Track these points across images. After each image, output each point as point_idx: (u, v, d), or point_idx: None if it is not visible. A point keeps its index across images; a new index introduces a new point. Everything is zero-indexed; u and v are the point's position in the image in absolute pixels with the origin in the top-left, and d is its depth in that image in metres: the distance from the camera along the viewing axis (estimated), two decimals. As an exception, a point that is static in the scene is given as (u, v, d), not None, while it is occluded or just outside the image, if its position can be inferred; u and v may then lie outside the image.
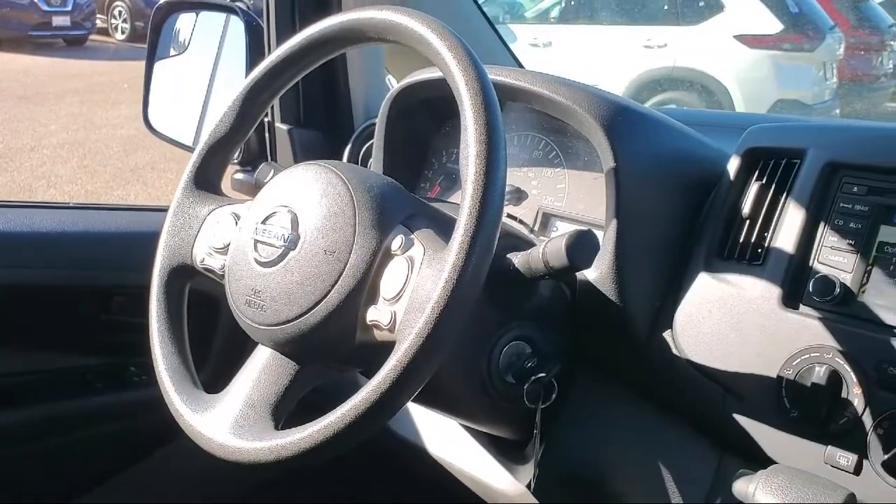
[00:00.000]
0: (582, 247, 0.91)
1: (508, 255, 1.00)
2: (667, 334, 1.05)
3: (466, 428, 1.28)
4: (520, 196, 1.26)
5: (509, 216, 1.24)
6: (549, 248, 0.93)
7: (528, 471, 1.16)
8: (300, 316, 0.94)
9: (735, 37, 6.79)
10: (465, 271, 0.80)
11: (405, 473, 1.49)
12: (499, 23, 8.08)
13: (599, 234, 1.08)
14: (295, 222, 0.97)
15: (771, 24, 6.82)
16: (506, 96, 1.17)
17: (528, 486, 1.16)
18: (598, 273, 1.07)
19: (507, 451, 1.22)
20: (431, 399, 1.13)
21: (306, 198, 0.98)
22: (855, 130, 1.03)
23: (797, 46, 6.87)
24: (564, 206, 1.22)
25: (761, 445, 0.96)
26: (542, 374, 1.06)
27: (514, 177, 1.27)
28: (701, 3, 7.04)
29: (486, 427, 1.18)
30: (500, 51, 1.85)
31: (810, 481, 0.77)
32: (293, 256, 0.95)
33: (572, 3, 8.01)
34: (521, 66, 1.86)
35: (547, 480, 1.14)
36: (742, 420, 0.98)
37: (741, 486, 0.80)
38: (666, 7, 7.36)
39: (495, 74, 1.14)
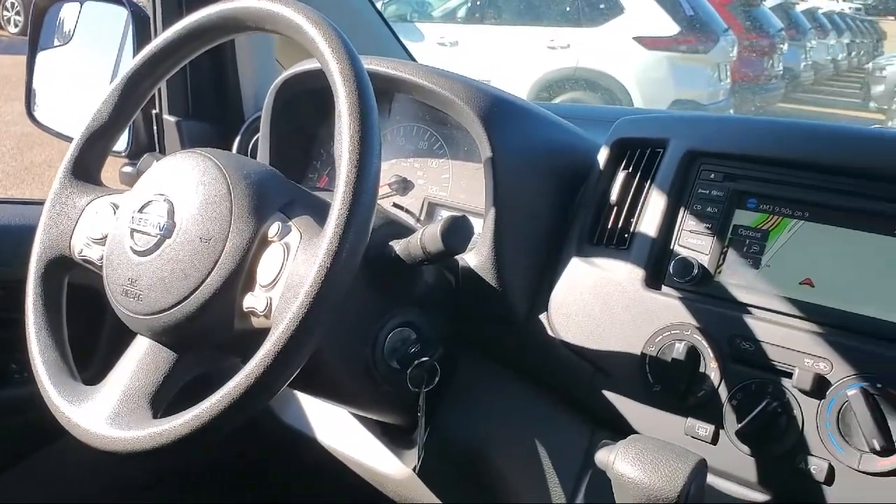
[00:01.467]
0: (456, 232, 0.94)
1: (391, 243, 1.02)
2: (543, 316, 1.09)
3: (355, 415, 1.30)
4: (406, 186, 1.29)
5: (396, 205, 1.27)
6: (426, 235, 0.96)
7: (415, 455, 1.19)
8: (176, 305, 0.94)
9: (634, 38, 7.01)
10: (339, 256, 0.81)
11: (297, 463, 1.49)
12: (406, 21, 8.11)
13: (480, 221, 1.11)
14: (171, 211, 0.96)
15: (668, 27, 7.06)
16: (387, 87, 1.19)
17: (415, 470, 1.19)
18: (478, 259, 1.10)
19: (395, 437, 1.24)
20: (318, 387, 1.15)
21: (183, 186, 0.97)
22: (713, 121, 1.10)
23: (692, 48, 7.13)
24: (449, 196, 1.25)
25: (628, 419, 1.01)
26: (425, 359, 1.09)
27: (401, 167, 1.30)
28: (602, 6, 7.23)
29: (373, 413, 1.20)
30: (393, 45, 1.87)
31: (664, 448, 0.82)
32: (169, 245, 0.95)
33: (478, 2, 8.10)
34: (413, 59, 1.88)
35: (433, 462, 1.17)
36: (610, 396, 1.03)
37: (602, 456, 0.84)
38: (568, 8, 7.53)
39: (376, 65, 1.17)
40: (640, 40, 7.00)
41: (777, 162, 0.99)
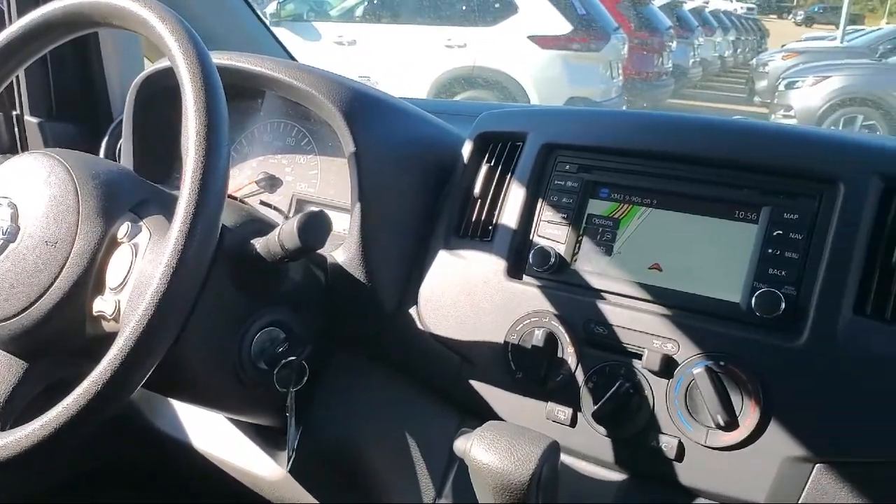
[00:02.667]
0: (313, 227, 0.94)
1: (252, 241, 1.01)
2: (412, 310, 1.10)
3: (230, 419, 1.28)
4: (274, 183, 1.27)
5: (263, 203, 1.25)
6: (284, 231, 0.95)
7: (293, 455, 1.18)
8: (23, 311, 0.90)
9: (529, 37, 7.13)
10: (186, 255, 0.80)
11: (173, 470, 1.45)
12: (303, 20, 8.00)
13: (349, 217, 1.11)
14: (15, 214, 0.92)
15: (561, 26, 7.20)
16: (250, 83, 1.17)
17: (288, 471, 1.18)
18: (346, 255, 1.10)
19: (270, 438, 1.23)
20: (186, 392, 1.12)
21: (27, 188, 0.94)
22: (569, 114, 1.13)
23: (585, 46, 7.29)
24: (317, 192, 1.24)
25: (493, 407, 1.03)
26: (293, 358, 1.08)
27: (269, 164, 1.28)
28: (496, 5, 7.32)
29: (246, 416, 1.18)
30: (270, 44, 1.84)
31: (518, 433, 0.83)
32: (13, 249, 0.91)
33: (375, 1, 8.08)
34: (292, 58, 1.86)
35: (306, 462, 1.16)
36: (476, 385, 1.04)
37: (460, 444, 0.85)
38: (464, 7, 7.59)
39: (235, 61, 1.15)
40: (535, 39, 7.12)
41: (626, 152, 1.02)
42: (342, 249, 1.10)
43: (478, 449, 0.82)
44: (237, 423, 1.28)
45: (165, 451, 1.36)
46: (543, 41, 7.12)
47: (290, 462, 1.11)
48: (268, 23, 1.90)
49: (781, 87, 8.99)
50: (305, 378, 1.10)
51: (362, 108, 1.10)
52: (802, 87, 8.66)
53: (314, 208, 1.25)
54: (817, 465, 0.85)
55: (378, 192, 1.09)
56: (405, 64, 7.19)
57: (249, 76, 1.16)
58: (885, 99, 8.16)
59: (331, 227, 0.96)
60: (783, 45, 13.15)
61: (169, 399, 1.35)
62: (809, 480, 0.86)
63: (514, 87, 7.24)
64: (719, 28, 13.47)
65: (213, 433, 1.31)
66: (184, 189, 0.81)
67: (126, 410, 1.37)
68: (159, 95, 1.27)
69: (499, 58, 7.19)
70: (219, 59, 1.16)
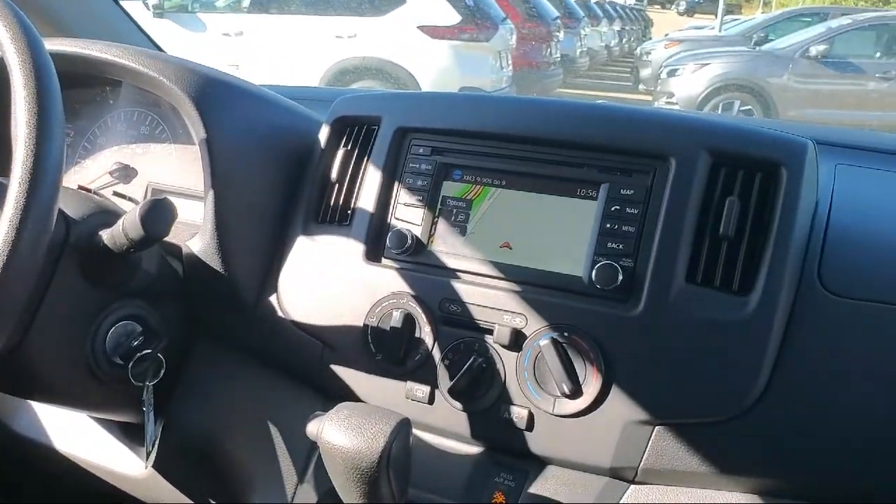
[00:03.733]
0: (155, 215, 0.92)
1: (100, 232, 0.98)
2: (273, 298, 1.10)
3: (92, 417, 1.24)
4: (128, 174, 1.24)
5: (117, 194, 1.21)
6: (127, 221, 0.93)
7: (153, 452, 1.16)
8: None
9: (418, 27, 7.14)
10: (17, 248, 0.77)
11: (34, 475, 1.40)
12: (188, 11, 7.76)
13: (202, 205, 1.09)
14: None
15: (449, 16, 7.25)
16: (97, 70, 1.14)
17: (149, 468, 1.16)
18: (201, 244, 1.08)
19: (134, 436, 1.20)
20: (40, 392, 1.08)
21: None
22: (422, 98, 1.14)
23: (474, 37, 7.36)
24: (173, 181, 1.21)
25: (355, 390, 1.03)
26: (148, 351, 1.06)
27: (123, 154, 1.25)
28: (385, -5, 7.30)
29: (105, 413, 1.15)
30: (134, 34, 1.78)
31: (369, 412, 0.84)
32: None
33: (262, -9, 7.92)
34: (159, 49, 1.81)
35: (170, 457, 1.14)
36: (338, 369, 1.05)
37: (311, 428, 0.85)
38: (353, -3, 7.54)
39: (78, 47, 1.11)
40: (424, 29, 7.14)
41: (476, 134, 1.04)
42: (197, 239, 1.09)
43: (328, 430, 0.83)
44: (100, 422, 1.24)
45: (26, 455, 1.30)
46: (433, 31, 7.15)
47: (151, 458, 1.09)
48: (150, 13, 1.83)
49: (664, 75, 9.34)
50: (162, 371, 1.08)
51: (213, 93, 1.09)
52: (683, 75, 9.01)
53: (171, 198, 1.23)
54: (657, 428, 0.90)
55: (231, 179, 1.08)
56: (295, 55, 7.09)
57: (95, 63, 1.12)
58: (759, 84, 8.59)
59: (175, 215, 0.95)
60: (665, 35, 13.65)
61: (27, 401, 1.29)
62: (650, 443, 0.90)
63: (405, 77, 7.24)
64: (605, 18, 13.85)
65: (74, 433, 1.26)
66: (13, 178, 0.78)
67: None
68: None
69: (389, 48, 7.18)
70: (60, 45, 1.12)
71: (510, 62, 7.97)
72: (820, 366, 0.86)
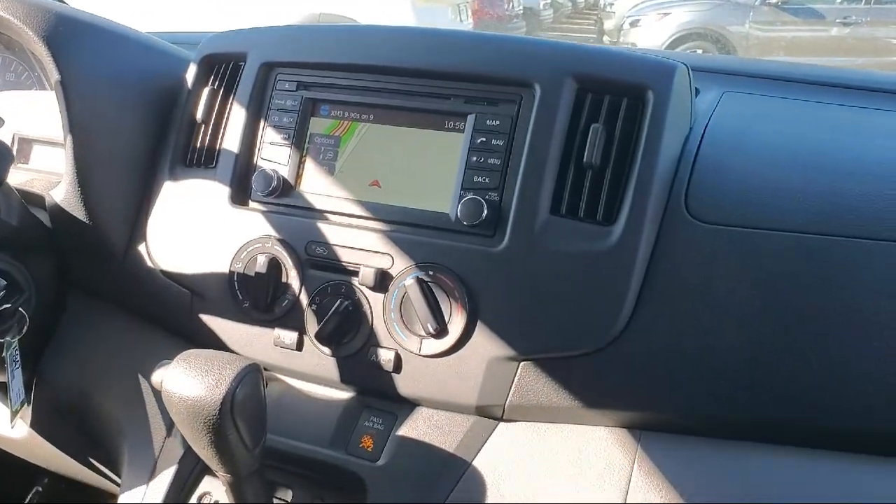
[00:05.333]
0: None
1: None
2: (142, 247, 1.05)
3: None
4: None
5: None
6: None
7: (28, 413, 1.12)
8: None
9: (374, -19, 6.99)
10: None
11: None
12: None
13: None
14: None
15: (406, -32, 7.10)
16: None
17: (15, 426, 1.12)
18: (63, 194, 1.03)
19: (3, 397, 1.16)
20: None
21: None
22: (288, 32, 1.08)
23: (431, -11, 7.23)
24: (41, 130, 1.15)
25: (223, 339, 1.00)
26: (7, 306, 1.01)
27: (-10, 103, 1.18)
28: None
29: None
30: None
31: (213, 358, 0.80)
32: None
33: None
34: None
35: (46, 415, 1.11)
36: (207, 318, 1.00)
37: (155, 377, 0.81)
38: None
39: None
40: (379, -18, 6.99)
41: (341, 67, 0.99)
42: (59, 188, 1.03)
43: (169, 379, 0.79)
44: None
45: None
46: (388, -16, 7.00)
47: (17, 417, 1.05)
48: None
49: (626, 26, 9.25)
50: (26, 327, 1.03)
51: (68, 33, 1.02)
52: (645, 25, 8.94)
53: (39, 146, 1.17)
54: (522, 364, 0.87)
55: (91, 124, 1.02)
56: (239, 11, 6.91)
57: None
58: (721, 32, 8.53)
59: (10, 158, 0.89)
60: (629, -15, 13.49)
61: None
62: (515, 379, 0.87)
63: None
64: (569, -31, 13.64)
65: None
66: None
67: None
68: None
69: (344, 1, 7.03)
70: None
71: (470, 15, 7.84)
72: (685, 294, 0.84)
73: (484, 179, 0.91)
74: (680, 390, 0.83)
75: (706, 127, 0.94)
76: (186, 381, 0.78)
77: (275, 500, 0.92)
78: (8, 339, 1.02)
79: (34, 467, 1.59)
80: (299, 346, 0.96)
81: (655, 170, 0.86)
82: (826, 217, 0.82)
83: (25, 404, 1.08)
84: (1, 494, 1.71)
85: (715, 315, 0.82)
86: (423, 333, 0.90)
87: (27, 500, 1.78)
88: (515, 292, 0.87)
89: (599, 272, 0.85)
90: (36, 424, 1.12)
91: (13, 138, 1.16)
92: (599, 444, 0.85)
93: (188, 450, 0.95)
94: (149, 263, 1.04)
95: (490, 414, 0.90)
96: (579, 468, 0.84)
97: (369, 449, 0.91)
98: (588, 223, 0.87)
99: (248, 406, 0.78)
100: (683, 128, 0.93)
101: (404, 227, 0.93)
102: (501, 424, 0.90)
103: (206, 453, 0.80)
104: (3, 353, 1.02)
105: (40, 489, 1.79)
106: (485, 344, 0.88)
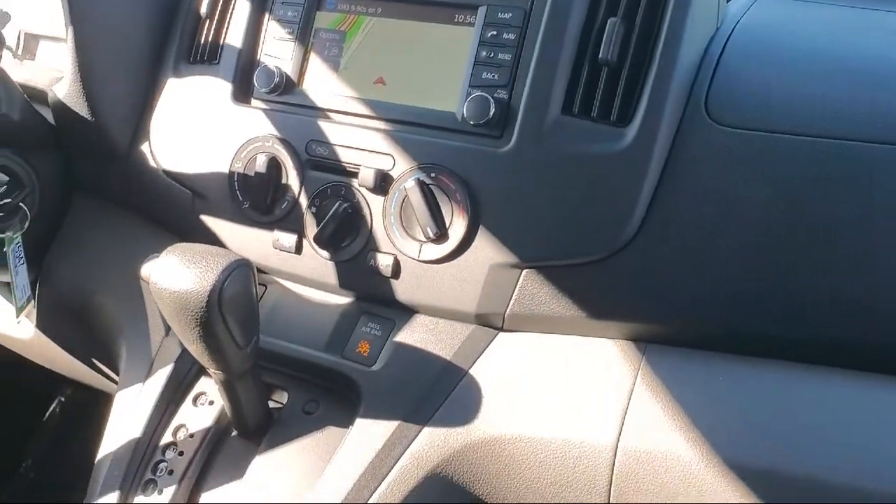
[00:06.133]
0: None
1: None
2: (145, 146, 1.02)
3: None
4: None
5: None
6: None
7: (31, 313, 1.11)
8: None
9: None
10: None
11: None
12: None
13: None
14: None
15: None
16: None
17: (36, 326, 1.12)
18: (66, 90, 1.00)
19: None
20: None
21: None
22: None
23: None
24: (47, 26, 1.12)
25: (223, 240, 0.97)
26: (8, 200, 1.00)
27: (-3, -1, 1.15)
28: None
29: None
30: None
31: (202, 252, 0.77)
32: None
33: None
34: None
35: (50, 315, 1.10)
36: (207, 219, 0.98)
37: (144, 270, 0.79)
38: None
39: None
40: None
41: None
42: (61, 84, 1.01)
43: (156, 272, 0.76)
44: (-9, 284, 1.19)
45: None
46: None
47: (22, 313, 1.04)
48: None
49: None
50: (27, 223, 1.02)
51: None
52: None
53: (45, 42, 1.14)
54: (524, 271, 0.83)
55: (93, 18, 0.98)
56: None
57: None
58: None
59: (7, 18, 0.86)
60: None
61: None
62: (517, 287, 0.83)
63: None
64: None
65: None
66: None
67: None
68: None
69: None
70: None
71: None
72: (699, 200, 0.78)
73: (493, 76, 0.86)
74: (688, 300, 0.78)
75: (734, 29, 0.88)
76: (174, 274, 0.76)
77: (270, 402, 0.90)
78: (10, 234, 1.01)
79: (56, 379, 1.61)
80: (298, 249, 0.93)
81: (675, 69, 0.80)
82: (849, 122, 0.76)
83: (31, 301, 1.07)
84: (25, 406, 1.75)
85: (730, 221, 0.77)
86: (422, 238, 0.86)
87: (49, 411, 1.82)
88: (520, 196, 0.83)
89: (610, 176, 0.80)
90: (41, 324, 1.12)
91: (19, 34, 1.14)
92: (602, 355, 0.81)
93: (185, 350, 0.93)
94: (151, 163, 1.01)
95: (490, 323, 0.86)
96: (580, 379, 0.81)
97: (365, 354, 0.88)
98: (601, 124, 0.82)
99: (237, 301, 0.76)
100: (708, 27, 0.86)
101: (408, 126, 0.89)
102: (501, 334, 0.86)
103: (195, 349, 0.78)
104: (6, 249, 1.00)
105: (62, 399, 1.83)
106: (486, 250, 0.84)
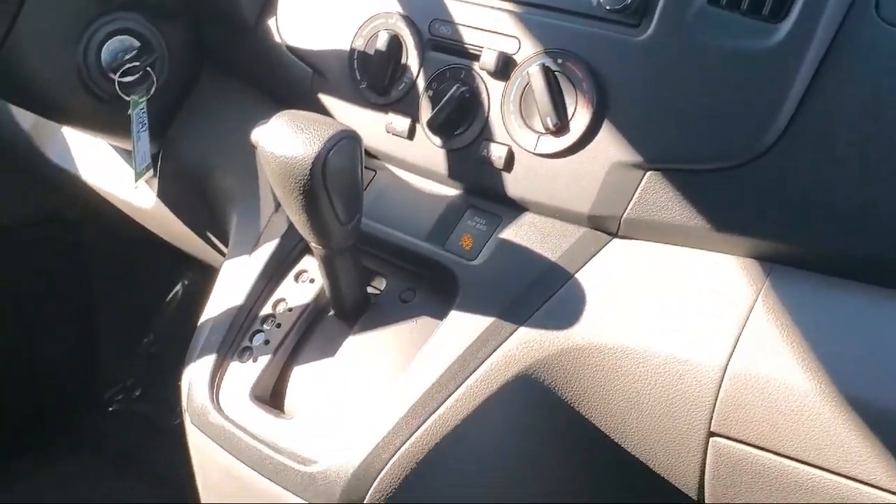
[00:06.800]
0: None
1: None
2: (272, 20, 1.01)
3: (115, 148, 1.23)
4: None
5: None
6: None
7: (153, 183, 1.14)
8: None
9: None
10: None
11: (62, 196, 1.43)
12: None
13: None
14: None
15: None
16: None
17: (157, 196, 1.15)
18: None
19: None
20: (35, 99, 1.08)
21: None
22: None
23: None
24: None
25: (338, 121, 0.95)
26: (136, 63, 1.02)
27: None
28: None
29: (106, 134, 1.14)
30: None
31: (310, 119, 0.75)
32: None
33: None
34: None
35: (171, 186, 1.13)
36: (325, 98, 0.96)
37: (254, 135, 0.78)
38: None
39: None
40: None
41: None
42: None
43: (264, 136, 0.75)
44: (120, 153, 1.23)
45: (59, 182, 1.33)
46: None
47: (140, 178, 1.07)
48: None
49: None
50: (154, 88, 1.04)
51: None
52: None
53: None
54: (648, 173, 0.77)
55: None
56: None
57: None
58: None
59: None
60: None
61: (59, 130, 1.30)
62: (638, 189, 0.77)
63: None
64: None
65: (98, 165, 1.27)
66: None
67: (15, 138, 1.34)
68: None
69: None
70: None
71: None
72: (853, 112, 0.69)
73: (635, -42, 0.78)
74: (827, 219, 0.70)
75: None
76: (280, 139, 0.74)
77: (368, 288, 0.89)
78: (135, 97, 1.03)
79: (180, 264, 1.68)
80: (411, 134, 0.90)
81: (846, -45, 0.70)
82: None
83: (150, 170, 1.09)
84: (151, 286, 1.84)
85: (888, 135, 0.68)
86: (541, 129, 0.81)
87: (172, 293, 1.91)
88: (653, 90, 0.76)
89: (756, 75, 0.72)
90: (162, 195, 1.15)
91: None
92: (722, 271, 0.74)
93: (291, 226, 0.93)
94: (276, 38, 1.00)
95: (603, 227, 0.81)
96: (694, 294, 0.74)
97: (468, 248, 0.84)
98: (750, 17, 0.73)
99: (340, 172, 0.73)
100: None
101: (538, 8, 0.83)
102: (615, 240, 0.80)
103: (298, 219, 0.77)
104: (131, 111, 1.02)
105: (185, 282, 1.91)
106: (609, 146, 0.78)
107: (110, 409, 1.88)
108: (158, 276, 1.86)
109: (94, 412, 1.82)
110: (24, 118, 1.32)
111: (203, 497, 0.92)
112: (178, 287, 1.93)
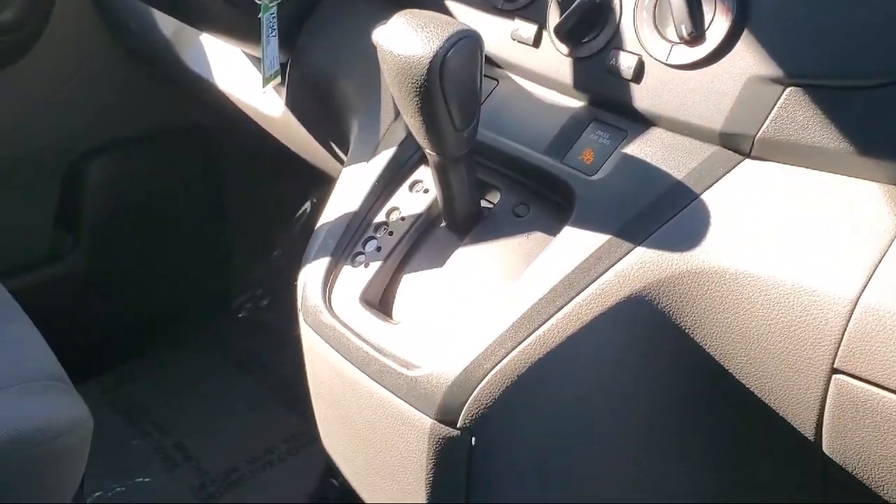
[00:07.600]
0: None
1: None
2: None
3: (248, 56, 1.26)
4: None
5: None
6: None
7: (281, 91, 1.16)
8: None
9: None
10: None
11: (200, 105, 1.48)
12: None
13: None
14: None
15: None
16: None
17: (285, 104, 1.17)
18: None
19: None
20: (181, 9, 1.11)
21: None
22: None
23: None
24: None
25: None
26: (269, -30, 1.02)
27: None
28: None
29: (238, 40, 1.16)
30: None
31: (435, 18, 0.73)
32: None
33: None
34: None
35: (298, 95, 1.14)
36: (450, 4, 0.94)
37: (374, 35, 0.76)
38: None
39: None
40: None
41: None
42: None
43: (383, 34, 0.74)
44: (252, 61, 1.25)
45: (193, 86, 1.37)
46: None
47: (268, 83, 1.08)
48: None
49: None
50: (286, -8, 1.04)
51: None
52: None
53: None
54: (789, 89, 0.70)
55: None
56: None
57: None
58: None
59: None
60: None
61: (196, 38, 1.34)
62: (776, 106, 0.71)
63: None
64: None
65: (231, 71, 1.30)
66: None
67: (157, 45, 1.39)
68: None
69: None
70: None
71: None
72: None
73: None
74: None
75: None
76: (399, 38, 0.73)
77: (482, 202, 0.87)
78: (266, 2, 1.03)
79: (309, 179, 1.71)
80: (536, 41, 0.86)
81: None
82: None
83: (278, 77, 1.11)
84: (282, 203, 1.90)
85: None
86: (675, 38, 0.76)
87: (301, 211, 1.97)
88: (800, -2, 0.69)
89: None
90: (289, 103, 1.16)
91: None
92: (863, 199, 0.68)
93: (409, 135, 0.92)
94: None
95: (736, 146, 0.75)
96: (829, 221, 0.69)
97: (588, 162, 0.81)
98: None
99: (458, 74, 0.71)
100: None
101: None
102: (747, 161, 0.75)
103: (413, 123, 0.76)
104: (261, 15, 1.03)
105: (314, 200, 1.97)
106: (747, 58, 0.72)
107: (240, 315, 1.98)
108: (288, 193, 1.92)
109: (224, 317, 1.92)
110: (166, 26, 1.37)
111: (312, 392, 0.95)
112: (307, 205, 1.99)
